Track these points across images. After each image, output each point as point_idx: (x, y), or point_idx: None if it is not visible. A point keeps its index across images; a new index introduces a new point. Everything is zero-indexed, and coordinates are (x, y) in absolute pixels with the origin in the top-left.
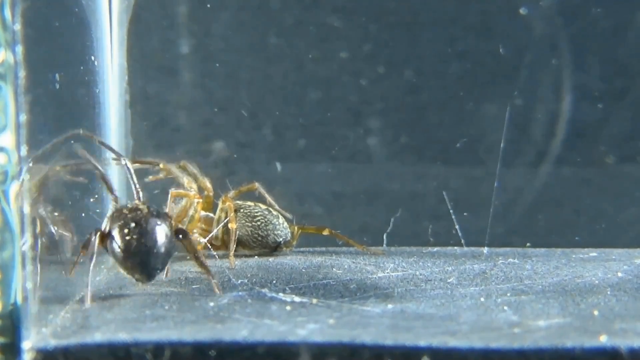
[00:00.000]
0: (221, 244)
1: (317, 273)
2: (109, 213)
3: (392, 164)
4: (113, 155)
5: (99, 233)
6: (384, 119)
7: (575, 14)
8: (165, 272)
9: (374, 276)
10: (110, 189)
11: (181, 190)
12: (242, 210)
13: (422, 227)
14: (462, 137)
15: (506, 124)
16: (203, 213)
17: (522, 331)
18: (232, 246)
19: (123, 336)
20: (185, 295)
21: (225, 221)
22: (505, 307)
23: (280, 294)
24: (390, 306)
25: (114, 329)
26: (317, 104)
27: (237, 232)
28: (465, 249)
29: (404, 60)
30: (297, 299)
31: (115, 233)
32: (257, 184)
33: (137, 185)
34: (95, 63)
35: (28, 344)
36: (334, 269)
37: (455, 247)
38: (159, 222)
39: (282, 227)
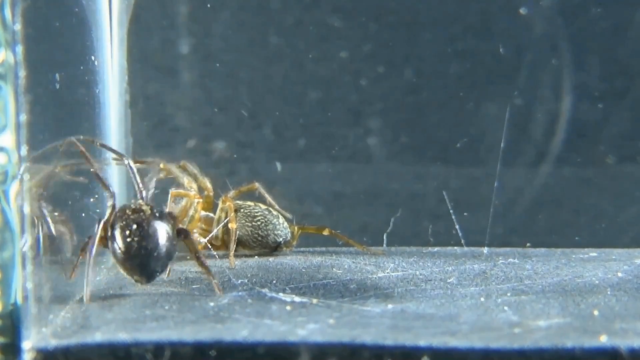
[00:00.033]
0: (221, 244)
1: (317, 273)
2: (109, 210)
3: (392, 164)
4: (113, 156)
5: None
6: (384, 119)
7: (575, 14)
8: (166, 272)
9: (374, 276)
10: (105, 186)
11: (181, 190)
12: (242, 210)
13: (422, 227)
14: (462, 137)
15: (506, 124)
16: (203, 213)
17: (522, 331)
18: (232, 246)
19: (123, 336)
20: (185, 295)
21: (225, 221)
22: (506, 307)
23: (280, 294)
24: (390, 306)
25: (114, 329)
26: (317, 104)
27: (237, 232)
28: (465, 249)
29: (404, 60)
30: (297, 299)
31: (117, 234)
32: (257, 184)
33: (141, 185)
34: (95, 63)
35: (28, 344)
36: (334, 269)
37: (455, 247)
38: (160, 224)
39: (282, 227)
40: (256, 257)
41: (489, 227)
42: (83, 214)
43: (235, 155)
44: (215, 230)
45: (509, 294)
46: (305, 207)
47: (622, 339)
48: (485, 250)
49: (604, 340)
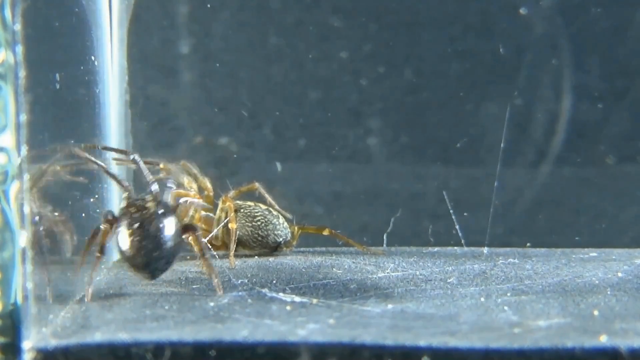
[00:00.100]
0: (221, 244)
1: (317, 273)
2: (122, 205)
3: (392, 164)
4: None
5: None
6: (384, 118)
7: (575, 14)
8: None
9: (374, 276)
10: (119, 182)
11: (182, 190)
12: (242, 210)
13: (422, 227)
14: (462, 137)
15: (506, 124)
16: (203, 213)
17: (522, 331)
18: (232, 246)
19: (123, 336)
20: (185, 295)
21: (225, 221)
22: (506, 307)
23: (280, 294)
24: (390, 306)
25: (114, 329)
26: (317, 104)
27: (237, 232)
28: (465, 249)
29: (404, 60)
30: (297, 299)
31: (122, 230)
32: (257, 184)
33: (151, 178)
34: (96, 63)
35: (28, 344)
36: (334, 269)
37: (455, 247)
38: (166, 220)
39: (282, 227)
40: (256, 257)
41: (489, 227)
42: (83, 214)
43: (235, 155)
44: (215, 231)
45: (509, 294)
46: (305, 207)
47: (622, 339)
48: (485, 250)
49: (604, 340)
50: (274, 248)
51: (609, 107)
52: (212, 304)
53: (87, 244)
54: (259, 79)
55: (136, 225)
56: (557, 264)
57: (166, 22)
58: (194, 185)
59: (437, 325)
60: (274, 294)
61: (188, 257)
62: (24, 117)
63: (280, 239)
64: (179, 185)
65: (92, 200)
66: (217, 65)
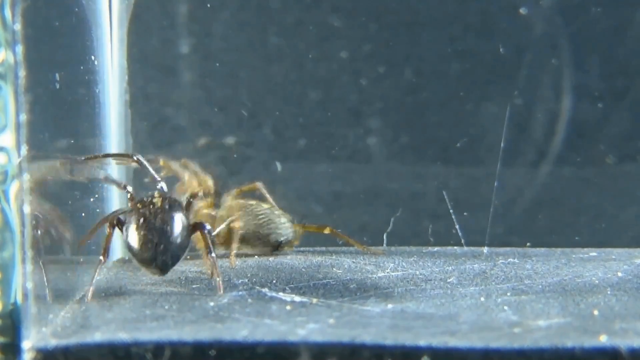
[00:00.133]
0: (223, 241)
1: (317, 273)
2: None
3: (392, 164)
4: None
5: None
6: (384, 118)
7: (575, 14)
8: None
9: (374, 276)
10: (118, 185)
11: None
12: (245, 208)
13: (422, 227)
14: (462, 136)
15: (506, 124)
16: (205, 210)
17: (522, 331)
18: (234, 246)
19: (123, 336)
20: (185, 295)
21: (229, 220)
22: (505, 307)
23: (280, 294)
24: (390, 306)
25: (114, 329)
26: (317, 104)
27: (240, 230)
28: (465, 248)
29: (404, 60)
30: (297, 298)
31: (129, 226)
32: (258, 184)
33: (157, 176)
34: (96, 63)
35: (28, 344)
36: (334, 269)
37: (455, 247)
38: (172, 216)
39: (284, 227)
40: (256, 256)
41: (489, 227)
42: (83, 214)
43: (235, 155)
44: (218, 229)
45: (508, 294)
46: (305, 207)
47: (622, 339)
48: (485, 250)
49: (604, 340)
50: (275, 247)
51: (609, 107)
52: (212, 303)
53: (93, 229)
54: (259, 79)
55: (142, 220)
56: (557, 263)
57: (166, 22)
58: (195, 182)
59: (437, 325)
60: (274, 294)
61: (188, 257)
62: (24, 117)
63: (282, 238)
64: (181, 184)
65: (92, 200)
66: (217, 65)
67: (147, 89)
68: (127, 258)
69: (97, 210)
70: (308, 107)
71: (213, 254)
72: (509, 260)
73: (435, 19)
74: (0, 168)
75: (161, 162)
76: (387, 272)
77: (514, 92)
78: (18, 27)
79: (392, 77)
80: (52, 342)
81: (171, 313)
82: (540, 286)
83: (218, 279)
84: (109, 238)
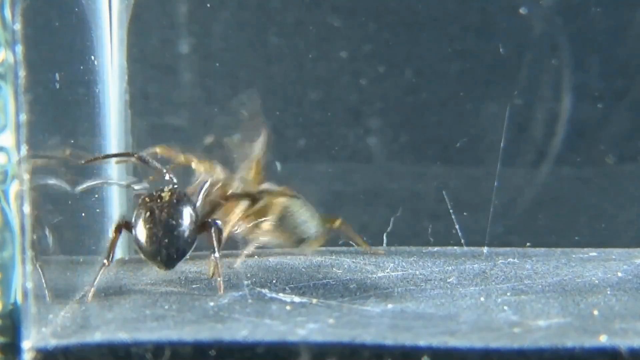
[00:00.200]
0: (250, 227)
1: (317, 273)
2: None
3: (392, 164)
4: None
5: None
6: (384, 118)
7: (575, 14)
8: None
9: (374, 276)
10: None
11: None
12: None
13: (422, 227)
14: (462, 136)
15: (506, 124)
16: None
17: (522, 331)
18: (251, 248)
19: (123, 336)
20: (185, 295)
21: (262, 220)
22: (505, 307)
23: (280, 294)
24: (390, 306)
25: (114, 329)
26: (317, 104)
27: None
28: (465, 248)
29: (404, 60)
30: (297, 298)
31: (135, 221)
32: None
33: (162, 168)
34: (95, 63)
35: (28, 344)
36: (334, 269)
37: (455, 247)
38: (177, 210)
39: (313, 225)
40: (256, 256)
41: (488, 227)
42: (83, 214)
43: (235, 155)
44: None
45: (508, 294)
46: None
47: (622, 339)
48: (485, 250)
49: (603, 340)
50: (299, 242)
51: (609, 107)
52: (212, 303)
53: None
54: (259, 79)
55: (148, 214)
56: (556, 263)
57: (166, 22)
58: (202, 168)
59: (437, 325)
60: (274, 294)
61: (188, 257)
62: (23, 117)
63: (306, 235)
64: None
65: (92, 200)
66: (217, 65)
67: (147, 89)
68: (127, 258)
69: (97, 210)
70: (308, 107)
71: (217, 254)
72: (508, 260)
73: (435, 19)
74: (0, 168)
75: (157, 150)
76: (387, 272)
77: (514, 92)
78: (18, 27)
79: (392, 77)
80: (52, 342)
81: (171, 313)
82: (540, 286)
83: (219, 279)
84: (113, 242)
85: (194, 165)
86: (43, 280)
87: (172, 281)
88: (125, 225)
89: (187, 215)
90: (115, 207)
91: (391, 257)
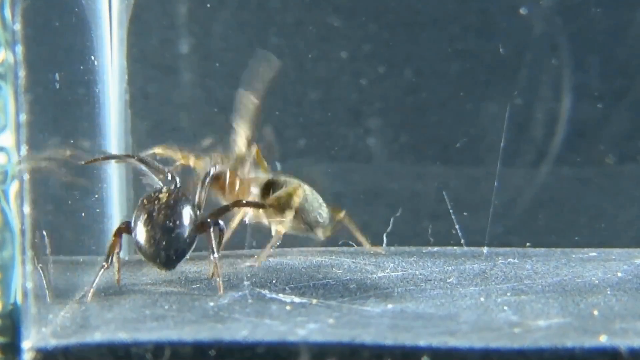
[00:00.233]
0: (274, 210)
1: (317, 273)
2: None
3: (392, 164)
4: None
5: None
6: (384, 118)
7: (575, 14)
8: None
9: (374, 276)
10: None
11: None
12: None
13: (422, 227)
14: (462, 136)
15: (506, 124)
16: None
17: (522, 331)
18: (268, 248)
19: (123, 336)
20: (185, 295)
21: (278, 220)
22: (505, 307)
23: (280, 294)
24: (390, 306)
25: (114, 329)
26: (317, 104)
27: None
28: (465, 248)
29: (404, 60)
30: (297, 299)
31: (135, 222)
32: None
33: (165, 168)
34: (95, 63)
35: (28, 344)
36: (334, 269)
37: (455, 247)
38: (175, 212)
39: (324, 212)
40: (255, 256)
41: (488, 227)
42: (83, 214)
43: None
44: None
45: (508, 294)
46: None
47: (622, 339)
48: (485, 250)
49: (603, 340)
50: (310, 226)
51: (609, 107)
52: (211, 303)
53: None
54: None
55: (146, 216)
56: (556, 263)
57: (166, 22)
58: (201, 165)
59: (437, 325)
60: (274, 294)
61: (187, 257)
62: (23, 117)
63: (321, 220)
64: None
65: (92, 200)
66: (217, 65)
67: (147, 89)
68: (127, 258)
69: (97, 210)
70: (308, 107)
71: (216, 255)
72: (508, 260)
73: (435, 19)
74: (0, 168)
75: (157, 151)
76: (387, 272)
77: (514, 92)
78: (18, 27)
79: (392, 77)
80: (52, 342)
81: (171, 313)
82: (540, 286)
83: (218, 279)
84: (113, 245)
85: (192, 163)
86: (44, 280)
87: (172, 281)
88: (126, 228)
89: (186, 216)
90: (115, 207)
91: (391, 257)
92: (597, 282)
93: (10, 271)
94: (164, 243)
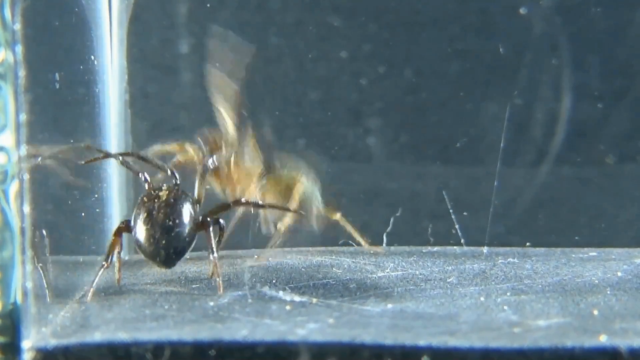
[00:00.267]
0: (279, 196)
1: (317, 273)
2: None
3: (392, 164)
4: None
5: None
6: (384, 118)
7: (575, 14)
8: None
9: (374, 276)
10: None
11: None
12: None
13: (422, 227)
14: (462, 136)
15: (506, 124)
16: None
17: (522, 331)
18: (270, 247)
19: (123, 336)
20: (184, 294)
21: (282, 222)
22: (505, 307)
23: (280, 294)
24: (390, 306)
25: (114, 329)
26: (317, 103)
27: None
28: (465, 248)
29: (404, 60)
30: (297, 298)
31: (134, 221)
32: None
33: (164, 165)
34: (95, 62)
35: (28, 344)
36: (334, 269)
37: (455, 247)
38: (176, 211)
39: (319, 200)
40: (255, 256)
41: (488, 227)
42: (83, 214)
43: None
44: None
45: (508, 294)
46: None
47: (622, 339)
48: (484, 249)
49: (603, 339)
50: (307, 218)
51: (609, 107)
52: (211, 303)
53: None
54: (259, 79)
55: (145, 214)
56: (556, 263)
57: (166, 21)
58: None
59: (437, 325)
60: (274, 294)
61: (187, 257)
62: (23, 117)
63: (317, 211)
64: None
65: (92, 200)
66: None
67: (146, 89)
68: (127, 258)
69: (97, 210)
70: (308, 107)
71: (215, 254)
72: (508, 260)
73: (435, 19)
74: (0, 168)
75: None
76: (387, 272)
77: (514, 92)
78: (18, 27)
79: (392, 77)
80: (52, 342)
81: (171, 313)
82: (540, 286)
83: (218, 278)
84: (113, 244)
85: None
86: (44, 280)
87: (172, 281)
88: (126, 227)
89: (185, 214)
90: (115, 207)
91: (391, 257)
92: (597, 281)
93: (10, 271)
94: (164, 241)
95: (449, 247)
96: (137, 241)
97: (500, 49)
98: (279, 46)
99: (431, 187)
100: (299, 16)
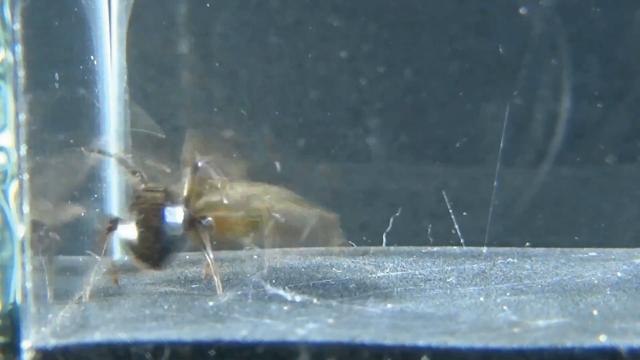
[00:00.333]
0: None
1: (317, 273)
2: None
3: (391, 163)
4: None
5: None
6: (384, 118)
7: (575, 14)
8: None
9: (374, 276)
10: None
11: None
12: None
13: (422, 227)
14: (461, 136)
15: (506, 124)
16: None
17: (522, 331)
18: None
19: (122, 336)
20: (184, 294)
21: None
22: (505, 307)
23: (280, 294)
24: (389, 306)
25: (114, 329)
26: (317, 103)
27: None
28: (465, 248)
29: (404, 60)
30: (296, 298)
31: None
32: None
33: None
34: (95, 62)
35: (27, 344)
36: (333, 269)
37: (455, 247)
38: (166, 212)
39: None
40: (255, 256)
41: (488, 227)
42: (83, 214)
43: (235, 155)
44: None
45: (508, 294)
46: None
47: (622, 339)
48: (484, 250)
49: (603, 340)
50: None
51: (609, 107)
52: (211, 303)
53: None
54: (259, 79)
55: (135, 216)
56: (556, 263)
57: (166, 21)
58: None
59: (437, 325)
60: (274, 294)
61: (188, 257)
62: (23, 117)
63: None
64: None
65: (92, 200)
66: (217, 65)
67: (146, 89)
68: (126, 258)
69: (97, 210)
70: (308, 107)
71: (210, 256)
72: (508, 260)
73: (435, 19)
74: (0, 168)
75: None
76: (387, 272)
77: (514, 92)
78: (18, 27)
79: (392, 77)
80: (52, 342)
81: (171, 313)
82: (539, 286)
83: (217, 278)
84: (102, 242)
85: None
86: (46, 280)
87: (172, 281)
88: (115, 226)
89: (176, 216)
90: (115, 207)
91: (391, 257)
92: (596, 282)
93: (9, 271)
94: (155, 244)
95: (448, 247)
96: (127, 245)
97: (500, 49)
98: (279, 46)
99: (431, 187)
100: (298, 16)
